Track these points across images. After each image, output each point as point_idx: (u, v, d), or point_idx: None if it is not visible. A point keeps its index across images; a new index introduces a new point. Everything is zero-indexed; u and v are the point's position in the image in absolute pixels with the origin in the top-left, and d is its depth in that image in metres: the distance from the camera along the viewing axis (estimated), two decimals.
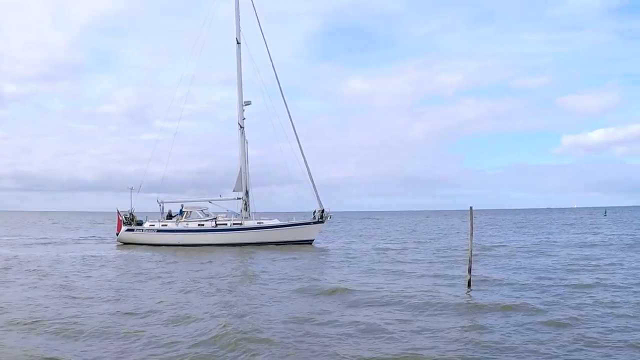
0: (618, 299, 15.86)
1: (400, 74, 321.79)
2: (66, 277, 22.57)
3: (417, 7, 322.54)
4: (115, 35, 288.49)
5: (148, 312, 14.92)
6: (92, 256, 32.31)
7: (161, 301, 16.68)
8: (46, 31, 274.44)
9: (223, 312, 14.86)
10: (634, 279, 20.25)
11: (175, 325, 13.32)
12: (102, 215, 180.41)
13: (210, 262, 28.72)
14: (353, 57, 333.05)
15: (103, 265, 27.49)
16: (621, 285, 18.72)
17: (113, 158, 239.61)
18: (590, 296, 16.52)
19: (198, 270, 24.95)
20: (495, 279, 20.40)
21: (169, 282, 21.05)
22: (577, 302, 15.58)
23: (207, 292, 18.31)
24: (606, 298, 16.12)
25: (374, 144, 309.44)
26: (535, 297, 16.42)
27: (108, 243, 44.67)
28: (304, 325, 13.09)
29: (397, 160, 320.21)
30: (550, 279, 20.53)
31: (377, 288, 18.91)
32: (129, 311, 15.07)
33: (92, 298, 17.35)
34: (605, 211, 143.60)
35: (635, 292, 17.18)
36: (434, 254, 32.50)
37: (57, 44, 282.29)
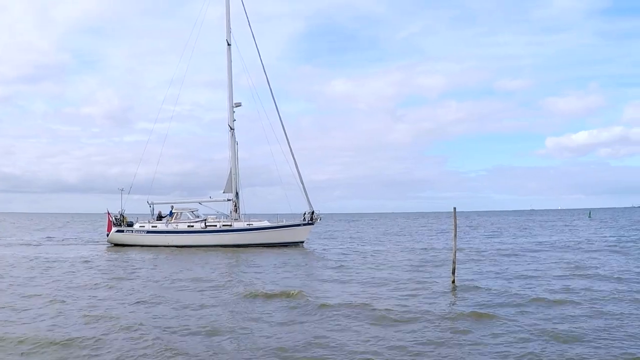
0: (607, 308, 15.14)
1: (383, 76, 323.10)
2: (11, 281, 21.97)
3: (400, 9, 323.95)
4: (99, 36, 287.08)
5: (99, 318, 14.44)
6: (70, 258, 31.92)
7: (109, 307, 16.05)
8: (29, 32, 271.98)
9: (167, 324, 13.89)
10: (620, 284, 19.61)
11: (109, 334, 12.77)
12: (86, 217, 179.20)
13: (191, 266, 28.06)
14: (336, 59, 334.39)
15: (88, 267, 27.30)
16: (609, 291, 18.01)
17: (96, 160, 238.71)
18: (574, 304, 15.82)
19: (175, 273, 24.39)
20: (476, 286, 19.47)
21: (131, 288, 19.95)
22: (562, 310, 14.85)
23: (170, 300, 17.18)
24: (593, 306, 15.38)
25: (356, 146, 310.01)
26: (520, 306, 15.63)
27: (96, 244, 44.50)
28: (256, 338, 12.39)
29: (379, 162, 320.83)
30: (534, 285, 19.73)
31: (353, 293, 18.45)
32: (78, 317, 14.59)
33: (43, 300, 16.88)
34: (589, 213, 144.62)
35: (624, 300, 16.39)
36: (416, 256, 32.01)
37: (40, 45, 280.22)
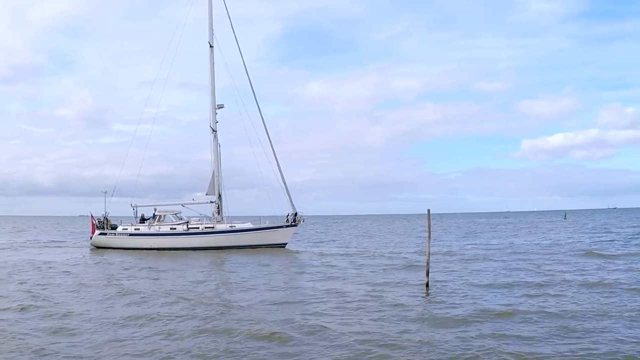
0: (578, 324, 13.76)
1: (360, 78, 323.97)
2: None
3: (378, 11, 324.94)
4: (75, 37, 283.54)
5: None
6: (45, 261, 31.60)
7: None
8: (4, 33, 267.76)
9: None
10: (590, 292, 18.51)
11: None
12: (62, 219, 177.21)
13: (159, 270, 27.24)
14: (314, 61, 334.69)
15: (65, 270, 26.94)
16: (579, 301, 16.86)
17: (71, 162, 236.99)
18: (544, 316, 14.72)
19: (145, 280, 23.59)
20: (449, 293, 18.59)
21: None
22: (531, 326, 13.59)
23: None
24: (565, 320, 14.12)
25: (333, 148, 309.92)
26: (492, 319, 14.46)
27: (79, 247, 44.19)
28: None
29: (356, 165, 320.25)
30: (512, 290, 19.19)
31: (320, 303, 17.28)
32: None
33: None
34: (565, 215, 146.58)
35: (596, 312, 15.06)
36: (389, 260, 30.80)
37: (15, 46, 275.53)
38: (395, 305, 16.46)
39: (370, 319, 14.61)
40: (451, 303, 16.72)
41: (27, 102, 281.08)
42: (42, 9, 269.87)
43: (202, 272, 26.53)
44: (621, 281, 20.92)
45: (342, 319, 14.68)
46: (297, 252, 38.18)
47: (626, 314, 14.71)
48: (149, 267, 28.55)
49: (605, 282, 20.77)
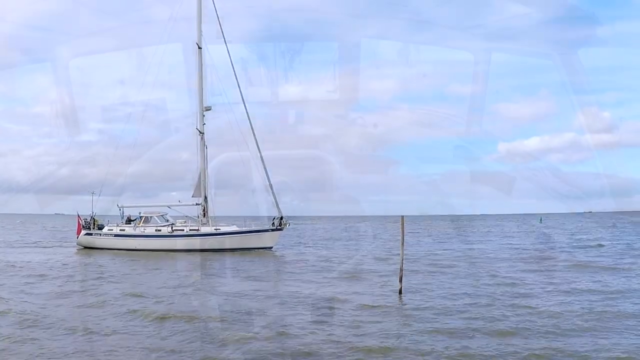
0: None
1: (335, 79, 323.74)
2: None
3: (353, 12, 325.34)
4: (50, 34, 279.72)
5: None
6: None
7: None
8: None
9: None
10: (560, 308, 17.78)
11: None
12: (35, 217, 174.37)
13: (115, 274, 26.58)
14: (288, 62, 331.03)
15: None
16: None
17: (47, 160, 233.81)
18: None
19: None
20: (422, 303, 18.24)
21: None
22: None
23: None
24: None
25: (307, 149, 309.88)
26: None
27: (66, 247, 43.98)
28: None
29: (330, 166, 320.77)
30: (487, 300, 18.96)
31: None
32: None
33: None
34: (540, 218, 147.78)
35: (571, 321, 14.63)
36: (360, 264, 30.72)
37: None
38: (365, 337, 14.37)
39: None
40: (424, 328, 15.03)
41: (2, 99, 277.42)
42: (16, 7, 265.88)
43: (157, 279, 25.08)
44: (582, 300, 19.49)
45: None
46: (280, 256, 37.86)
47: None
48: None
49: (574, 302, 19.00)
